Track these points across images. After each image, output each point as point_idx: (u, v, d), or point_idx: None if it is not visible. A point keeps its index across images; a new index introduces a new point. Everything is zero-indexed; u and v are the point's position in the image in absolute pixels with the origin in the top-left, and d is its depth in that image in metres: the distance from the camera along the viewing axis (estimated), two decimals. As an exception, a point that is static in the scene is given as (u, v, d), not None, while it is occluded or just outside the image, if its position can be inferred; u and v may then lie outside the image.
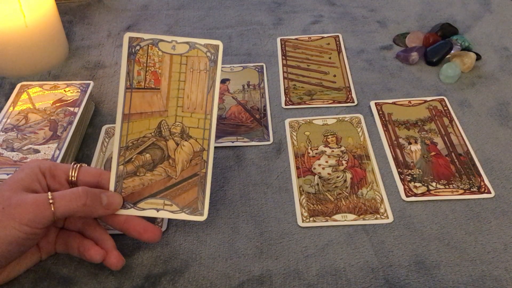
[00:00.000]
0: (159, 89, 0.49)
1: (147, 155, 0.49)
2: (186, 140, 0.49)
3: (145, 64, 0.49)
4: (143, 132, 0.49)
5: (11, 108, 0.61)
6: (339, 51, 0.75)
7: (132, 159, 0.48)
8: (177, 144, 0.49)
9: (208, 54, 0.49)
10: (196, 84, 0.49)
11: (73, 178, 0.47)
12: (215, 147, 0.50)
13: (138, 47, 0.49)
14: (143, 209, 0.47)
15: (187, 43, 0.49)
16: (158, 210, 0.47)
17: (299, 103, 0.66)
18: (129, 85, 0.48)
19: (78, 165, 0.48)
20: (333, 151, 0.59)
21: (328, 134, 0.61)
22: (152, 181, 0.48)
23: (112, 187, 0.48)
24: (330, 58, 0.74)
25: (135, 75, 0.48)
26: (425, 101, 0.65)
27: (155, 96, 0.49)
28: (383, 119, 0.63)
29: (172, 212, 0.48)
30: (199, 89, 0.49)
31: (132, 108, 0.48)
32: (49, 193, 0.43)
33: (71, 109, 0.61)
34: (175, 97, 0.49)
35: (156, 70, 0.49)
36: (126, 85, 0.48)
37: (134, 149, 0.48)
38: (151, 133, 0.49)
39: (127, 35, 0.48)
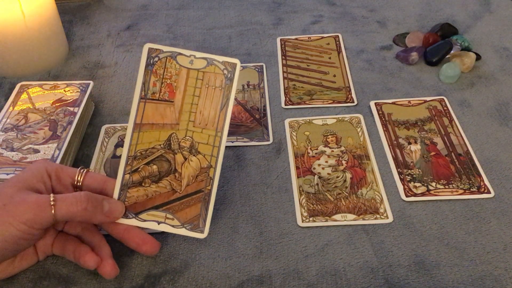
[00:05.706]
0: (172, 101, 0.49)
1: (154, 166, 0.48)
2: (194, 155, 0.49)
3: (161, 76, 0.49)
4: (152, 143, 0.49)
5: (11, 108, 0.61)
6: (339, 51, 0.75)
7: (139, 169, 0.48)
8: (185, 159, 0.49)
9: (225, 71, 0.49)
10: (210, 100, 0.49)
11: (78, 182, 0.47)
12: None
13: (156, 59, 0.49)
14: (144, 220, 0.47)
15: (205, 58, 0.49)
16: (159, 223, 0.47)
17: (299, 103, 0.66)
18: (143, 95, 0.48)
19: (85, 170, 0.48)
20: (333, 151, 0.59)
21: (328, 134, 0.61)
22: (157, 193, 0.48)
23: (116, 195, 0.47)
24: (330, 58, 0.74)
25: (150, 86, 0.49)
26: (425, 101, 0.65)
27: (168, 109, 0.49)
28: (383, 119, 0.63)
29: (173, 226, 0.47)
30: (212, 106, 0.49)
31: (144, 118, 0.48)
32: (52, 195, 0.43)
33: (71, 109, 0.61)
34: (188, 112, 0.49)
35: (171, 83, 0.49)
36: (141, 95, 0.48)
37: (142, 159, 0.48)
38: (160, 145, 0.49)
39: (147, 46, 0.49)
